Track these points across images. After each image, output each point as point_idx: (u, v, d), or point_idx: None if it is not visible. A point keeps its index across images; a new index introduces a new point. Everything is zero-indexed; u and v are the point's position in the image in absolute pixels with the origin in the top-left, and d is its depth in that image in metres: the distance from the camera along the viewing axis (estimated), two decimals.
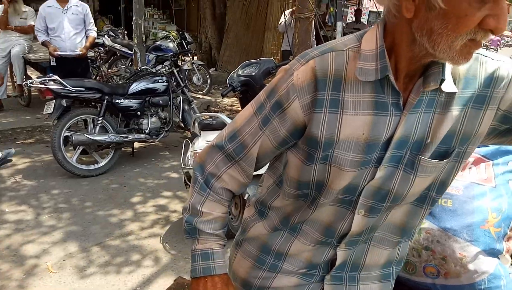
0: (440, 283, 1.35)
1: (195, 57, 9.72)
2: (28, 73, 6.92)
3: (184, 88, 5.52)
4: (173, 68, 5.56)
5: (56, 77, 4.34)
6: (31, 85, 4.42)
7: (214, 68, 9.74)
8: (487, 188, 1.34)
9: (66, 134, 4.32)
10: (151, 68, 5.56)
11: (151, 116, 4.99)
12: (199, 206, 1.01)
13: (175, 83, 5.30)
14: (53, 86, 4.30)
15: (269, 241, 1.08)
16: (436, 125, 0.87)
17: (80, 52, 5.43)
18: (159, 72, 5.31)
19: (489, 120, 0.89)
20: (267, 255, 1.08)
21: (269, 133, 0.94)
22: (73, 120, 4.41)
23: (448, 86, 0.85)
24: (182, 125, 5.35)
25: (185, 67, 7.72)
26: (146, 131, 4.89)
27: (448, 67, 0.85)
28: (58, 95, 4.33)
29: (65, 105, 4.37)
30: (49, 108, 4.38)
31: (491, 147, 1.42)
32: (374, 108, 0.86)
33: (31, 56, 6.78)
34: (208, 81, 8.18)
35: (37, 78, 4.65)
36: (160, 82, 5.06)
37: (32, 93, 7.40)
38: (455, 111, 0.87)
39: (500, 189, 1.34)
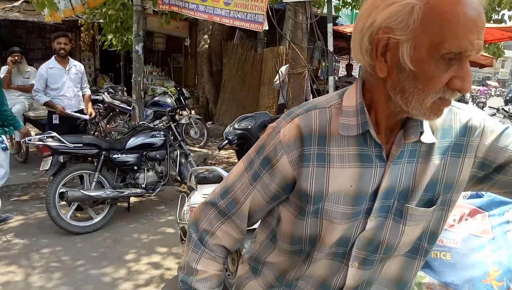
0: None
1: (193, 112, 9.94)
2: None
3: (181, 141, 5.58)
4: (171, 122, 5.65)
5: (54, 134, 4.39)
6: (29, 142, 4.46)
7: (211, 122, 9.92)
8: (486, 240, 1.33)
9: (62, 190, 4.29)
10: (149, 123, 5.66)
11: (147, 171, 4.99)
12: (194, 264, 1.01)
13: (172, 137, 5.36)
14: (51, 142, 4.33)
15: None
16: (420, 174, 0.91)
17: (90, 116, 5.75)
18: (156, 126, 5.40)
19: (468, 167, 0.93)
20: None
21: (260, 188, 0.97)
22: (69, 176, 4.39)
23: (427, 137, 0.89)
24: (179, 179, 5.33)
25: (183, 121, 7.86)
26: (142, 185, 4.86)
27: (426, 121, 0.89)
28: (56, 151, 4.35)
29: (62, 161, 4.37)
30: (46, 164, 4.38)
31: (486, 198, 1.42)
32: (359, 161, 0.90)
33: (31, 114, 6.92)
34: (205, 134, 8.29)
35: (36, 134, 4.70)
36: (157, 137, 5.12)
37: (29, 150, 7.44)
38: (436, 160, 0.92)
39: (499, 240, 1.33)
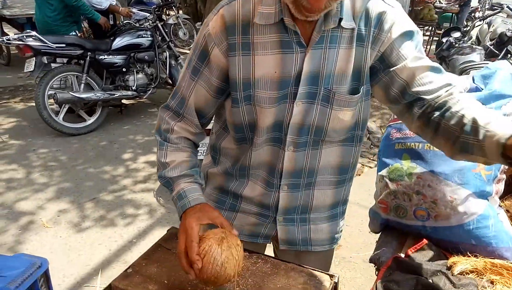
0: (430, 225, 1.39)
1: (180, 11, 9.35)
2: (5, 30, 6.60)
3: (170, 42, 5.34)
4: (157, 22, 5.34)
5: (34, 33, 4.14)
6: (8, 42, 4.22)
7: (200, 22, 9.40)
8: None
9: (50, 92, 4.21)
10: (134, 23, 5.34)
11: (137, 73, 4.86)
12: (163, 159, 1.08)
13: (160, 38, 5.11)
14: (32, 42, 4.11)
15: (225, 184, 1.19)
16: (342, 60, 0.97)
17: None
18: (142, 26, 5.11)
19: (371, 58, 0.99)
20: (226, 196, 1.21)
21: (202, 83, 1.04)
22: (56, 77, 4.26)
23: (347, 23, 0.95)
24: (170, 81, 5.23)
25: (170, 21, 7.43)
26: (133, 88, 4.78)
27: (347, 7, 0.94)
28: (38, 52, 4.16)
29: (46, 62, 4.21)
30: (30, 66, 4.22)
31: (485, 91, 1.42)
32: (281, 47, 0.96)
33: (6, 12, 6.43)
34: (195, 36, 7.94)
35: (15, 34, 4.44)
36: (144, 37, 4.89)
37: (11, 52, 7.10)
38: (357, 46, 0.97)
39: None
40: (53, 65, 4.30)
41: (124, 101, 5.13)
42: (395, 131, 1.51)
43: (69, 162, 3.80)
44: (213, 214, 0.99)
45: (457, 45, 5.15)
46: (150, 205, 3.11)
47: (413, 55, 0.97)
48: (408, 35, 0.97)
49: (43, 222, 2.84)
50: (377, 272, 1.36)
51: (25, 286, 1.33)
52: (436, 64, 1.00)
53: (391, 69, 0.97)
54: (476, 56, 4.60)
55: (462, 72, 3.43)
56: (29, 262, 1.41)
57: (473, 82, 1.50)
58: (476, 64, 3.54)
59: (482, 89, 1.45)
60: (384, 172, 1.48)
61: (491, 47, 4.74)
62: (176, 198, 1.04)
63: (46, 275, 1.46)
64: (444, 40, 5.44)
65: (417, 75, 0.96)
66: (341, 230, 1.29)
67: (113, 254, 2.53)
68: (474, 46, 4.89)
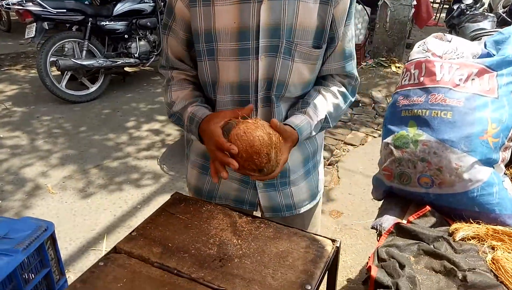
0: (433, 192, 1.39)
1: None
2: None
3: None
4: None
5: None
6: (8, 7, 4.12)
7: None
8: (489, 99, 1.32)
9: (52, 58, 4.15)
10: None
11: (139, 40, 4.78)
12: (168, 99, 1.13)
13: (162, 4, 4.99)
14: (31, 7, 4.02)
15: (204, 148, 1.16)
16: (303, 13, 0.98)
17: None
18: None
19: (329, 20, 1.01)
20: (208, 162, 1.19)
21: (173, 36, 1.08)
22: (57, 44, 4.20)
23: None
24: None
25: None
26: (135, 55, 4.71)
27: None
28: (39, 17, 4.07)
29: (47, 28, 4.13)
30: (31, 31, 4.15)
31: (497, 57, 1.38)
32: None
33: None
34: None
35: None
36: (146, 2, 4.77)
37: (11, 17, 6.98)
38: (322, 4, 0.99)
39: (503, 100, 1.33)
40: (53, 32, 4.22)
41: (126, 69, 5.06)
42: (402, 98, 1.48)
43: (73, 129, 3.80)
44: (225, 113, 1.00)
45: (468, 12, 4.99)
46: (154, 172, 3.13)
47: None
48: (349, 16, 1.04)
49: (49, 187, 2.88)
50: (378, 238, 1.37)
51: (33, 248, 1.36)
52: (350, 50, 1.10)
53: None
54: (488, 24, 4.46)
55: (473, 40, 3.33)
56: (36, 225, 1.44)
57: (485, 47, 1.46)
58: (487, 32, 3.44)
59: (494, 55, 1.40)
60: (389, 139, 1.47)
61: (504, 15, 4.59)
62: (189, 124, 1.06)
63: (52, 238, 1.49)
64: (455, 7, 5.26)
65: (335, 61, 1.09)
66: (319, 185, 1.29)
67: (118, 219, 2.58)
68: (486, 14, 4.74)
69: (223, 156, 0.93)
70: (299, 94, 1.10)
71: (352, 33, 1.09)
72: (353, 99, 1.16)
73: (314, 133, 1.07)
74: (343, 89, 1.12)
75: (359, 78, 1.17)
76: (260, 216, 1.23)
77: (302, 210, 1.25)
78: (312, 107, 1.06)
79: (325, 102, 1.08)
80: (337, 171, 3.21)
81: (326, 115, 1.08)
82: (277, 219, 1.21)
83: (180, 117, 1.10)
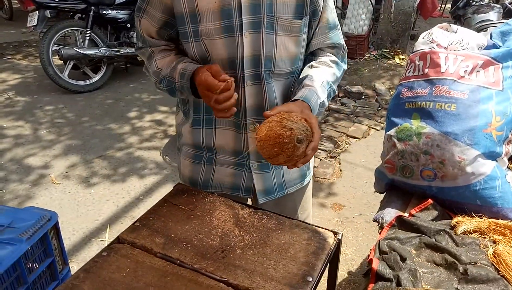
0: (436, 185, 1.39)
1: None
2: None
3: None
4: None
5: None
6: None
7: None
8: (494, 91, 1.31)
9: (55, 47, 4.14)
10: None
11: None
12: (155, 68, 1.13)
13: None
14: None
15: (195, 139, 1.21)
16: None
17: None
18: None
19: None
20: (201, 151, 1.22)
21: (147, 17, 1.09)
22: (60, 32, 4.18)
23: None
24: None
25: None
26: None
27: None
28: (41, 5, 4.06)
29: (49, 16, 4.12)
30: (33, 20, 4.13)
31: (503, 48, 1.36)
32: None
33: None
34: None
35: None
36: None
37: (13, 5, 6.94)
38: None
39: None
40: (56, 20, 4.20)
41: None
42: (406, 89, 1.47)
43: (76, 119, 3.81)
44: (214, 65, 1.02)
45: (474, 3, 4.92)
46: (156, 162, 3.14)
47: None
48: None
49: (52, 177, 2.89)
50: (380, 231, 1.37)
51: (36, 237, 1.37)
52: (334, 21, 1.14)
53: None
54: (494, 15, 4.41)
55: (479, 31, 3.30)
56: (39, 215, 1.45)
57: (491, 39, 1.44)
58: (493, 23, 3.39)
59: (500, 46, 1.39)
60: (392, 131, 1.46)
61: (510, 6, 4.52)
62: (179, 79, 1.08)
63: (56, 228, 1.50)
64: None
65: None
66: (309, 165, 1.32)
67: (121, 210, 2.59)
68: (492, 5, 4.68)
69: (217, 96, 0.97)
70: (288, 69, 1.12)
71: (332, 4, 1.14)
72: (345, 67, 1.21)
73: (323, 99, 1.09)
74: (334, 58, 1.16)
75: (346, 47, 1.21)
76: (253, 205, 1.25)
77: (293, 189, 1.27)
78: (308, 78, 1.10)
79: (320, 71, 1.12)
80: (339, 164, 3.21)
81: (326, 80, 1.11)
82: (270, 205, 1.23)
83: (170, 79, 1.11)
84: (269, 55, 1.07)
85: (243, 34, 1.03)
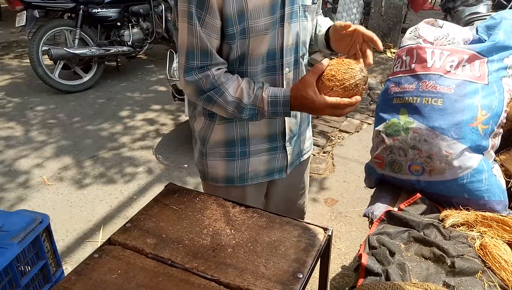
0: (424, 179, 1.40)
1: None
2: None
3: None
4: None
5: None
6: None
7: None
8: (479, 85, 1.33)
9: (44, 47, 4.11)
10: None
11: (132, 27, 4.72)
12: (230, 98, 1.07)
13: None
14: None
15: (229, 134, 1.21)
16: None
17: None
18: None
19: None
20: (233, 146, 1.22)
21: (209, 28, 1.02)
22: (49, 32, 4.14)
23: None
24: (167, 36, 5.09)
25: None
26: (128, 43, 4.66)
27: None
28: (29, 5, 4.01)
29: (37, 16, 4.07)
30: (21, 20, 4.09)
31: (488, 43, 1.37)
32: None
33: None
34: None
35: None
36: None
37: (1, 6, 6.86)
38: None
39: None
40: (45, 20, 4.16)
41: (120, 57, 5.01)
42: (393, 85, 1.48)
43: (67, 120, 3.79)
44: (308, 75, 1.05)
45: None
46: (149, 162, 3.14)
47: None
48: None
49: (44, 179, 2.88)
50: (370, 225, 1.39)
51: (28, 240, 1.37)
52: None
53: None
54: (483, 8, 4.43)
55: (467, 24, 3.32)
56: (31, 218, 1.45)
57: (477, 33, 1.45)
58: (482, 16, 3.42)
59: (485, 40, 1.40)
60: (381, 127, 1.48)
61: None
62: (271, 107, 1.08)
63: (48, 230, 1.50)
64: None
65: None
66: (311, 136, 1.47)
67: (114, 210, 2.59)
68: None
69: (345, 105, 1.03)
70: (304, 51, 1.24)
71: None
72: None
73: None
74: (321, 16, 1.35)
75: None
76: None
77: (305, 156, 1.42)
78: (319, 22, 1.29)
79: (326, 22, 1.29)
80: (332, 159, 3.23)
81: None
82: (292, 173, 1.37)
83: (253, 108, 1.09)
84: (304, 40, 1.19)
85: (284, 24, 1.10)
